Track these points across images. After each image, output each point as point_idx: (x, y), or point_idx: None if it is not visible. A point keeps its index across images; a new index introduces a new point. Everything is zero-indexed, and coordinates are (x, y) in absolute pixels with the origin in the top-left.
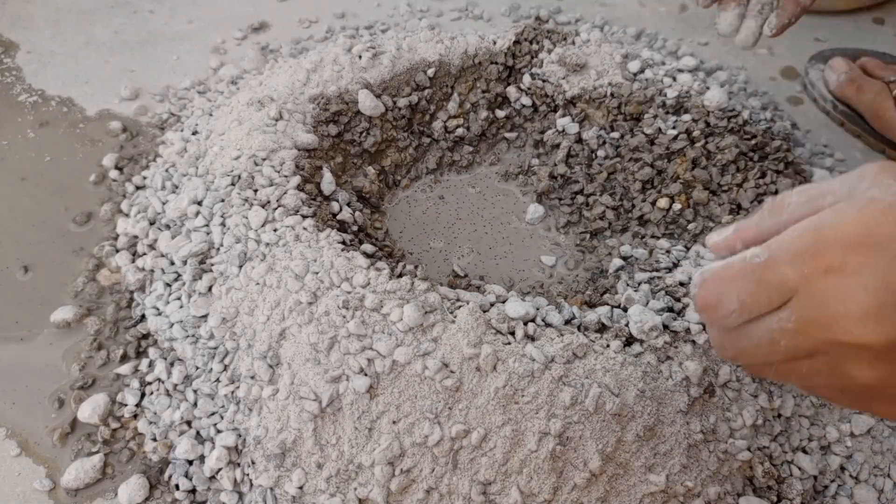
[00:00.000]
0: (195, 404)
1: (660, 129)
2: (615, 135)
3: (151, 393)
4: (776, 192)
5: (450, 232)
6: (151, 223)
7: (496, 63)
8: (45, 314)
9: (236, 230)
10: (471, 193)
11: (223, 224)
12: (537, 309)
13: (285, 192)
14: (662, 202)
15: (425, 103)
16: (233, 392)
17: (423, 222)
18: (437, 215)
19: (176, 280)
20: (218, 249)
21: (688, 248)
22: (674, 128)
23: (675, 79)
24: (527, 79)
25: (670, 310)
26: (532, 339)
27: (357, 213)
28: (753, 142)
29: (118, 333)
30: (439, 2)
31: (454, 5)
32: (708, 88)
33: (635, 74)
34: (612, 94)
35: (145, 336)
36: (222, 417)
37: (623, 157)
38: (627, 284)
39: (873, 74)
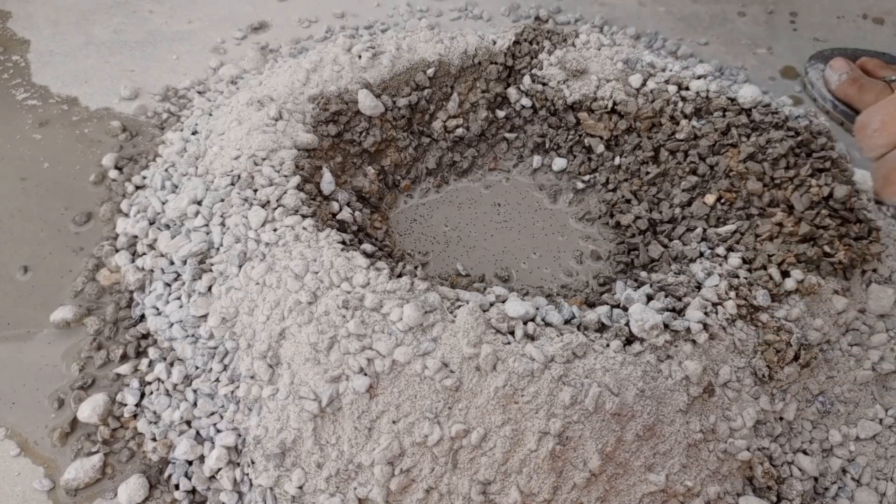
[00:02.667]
0: (195, 404)
1: (694, 131)
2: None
3: (151, 393)
4: (830, 194)
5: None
6: (151, 223)
7: (496, 63)
8: (45, 314)
9: (236, 230)
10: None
11: (223, 224)
12: (537, 308)
13: (285, 192)
14: (709, 198)
15: (425, 103)
16: (232, 392)
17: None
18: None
19: (176, 280)
20: (218, 249)
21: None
22: (713, 125)
23: (680, 86)
24: (527, 80)
25: (670, 309)
26: (532, 338)
27: (357, 213)
28: (799, 138)
29: (118, 333)
30: (439, 2)
31: (454, 5)
32: (705, 88)
33: (638, 89)
34: (614, 110)
35: (145, 336)
36: (222, 417)
37: (663, 162)
38: (626, 284)
39: (873, 74)
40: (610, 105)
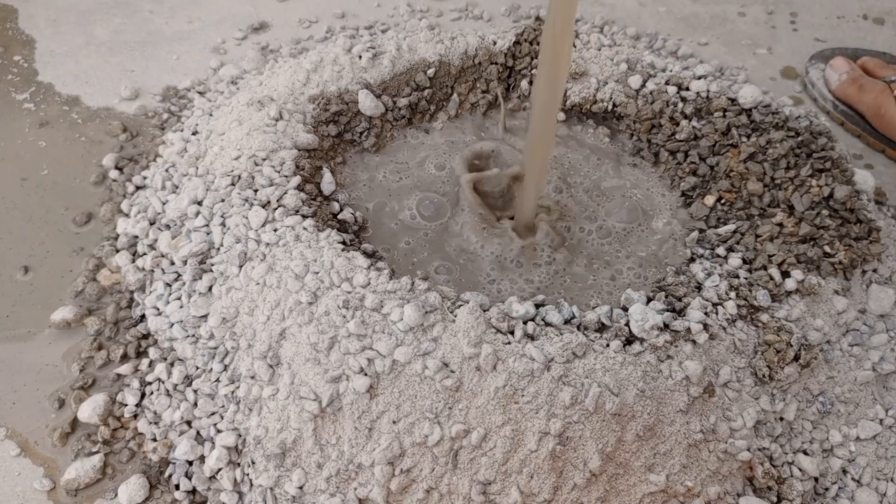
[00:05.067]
0: (195, 404)
1: (694, 132)
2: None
3: (151, 393)
4: (831, 194)
5: None
6: (151, 223)
7: (496, 63)
8: (45, 314)
9: (236, 230)
10: None
11: (223, 224)
12: (537, 308)
13: (285, 193)
14: (710, 199)
15: (425, 103)
16: (233, 392)
17: None
18: None
19: (176, 280)
20: (218, 249)
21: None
22: (714, 126)
23: (680, 86)
24: (524, 84)
25: (670, 309)
26: (532, 338)
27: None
28: (800, 138)
29: (118, 333)
30: (439, 2)
31: (454, 5)
32: (707, 90)
33: (637, 90)
34: (614, 113)
35: (145, 336)
36: (222, 417)
37: (663, 163)
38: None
39: (874, 74)
40: (610, 107)
